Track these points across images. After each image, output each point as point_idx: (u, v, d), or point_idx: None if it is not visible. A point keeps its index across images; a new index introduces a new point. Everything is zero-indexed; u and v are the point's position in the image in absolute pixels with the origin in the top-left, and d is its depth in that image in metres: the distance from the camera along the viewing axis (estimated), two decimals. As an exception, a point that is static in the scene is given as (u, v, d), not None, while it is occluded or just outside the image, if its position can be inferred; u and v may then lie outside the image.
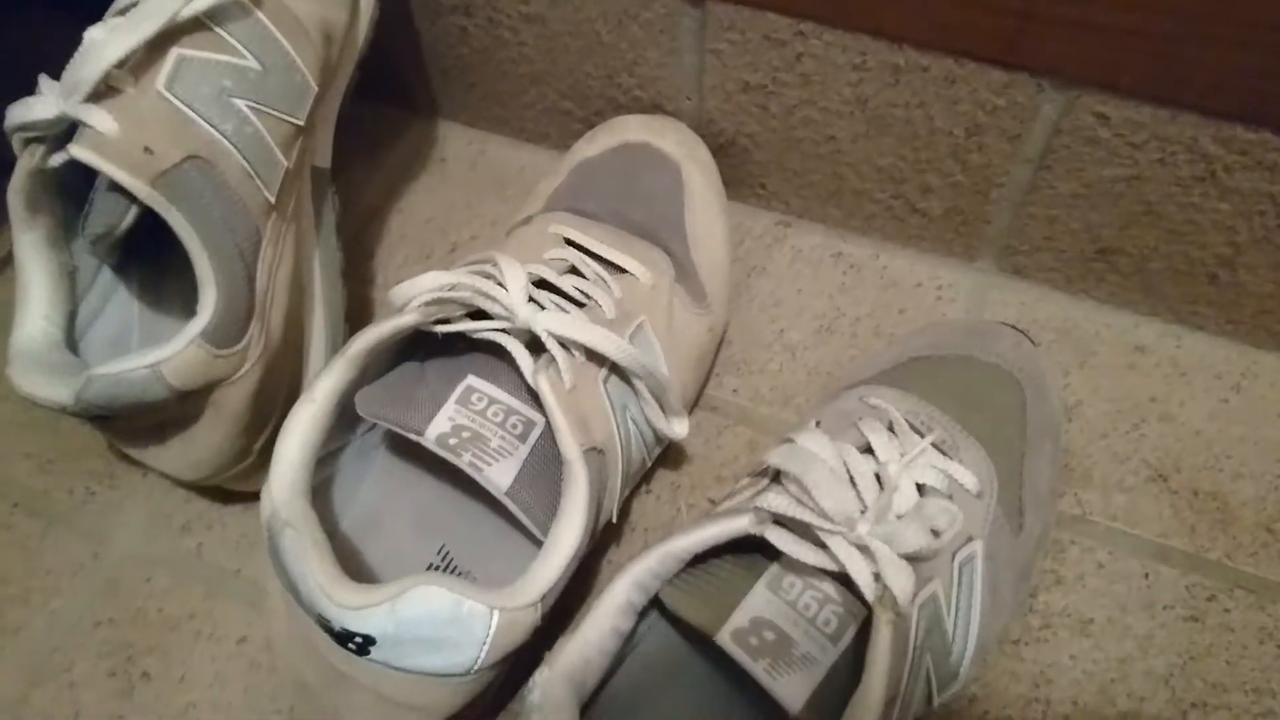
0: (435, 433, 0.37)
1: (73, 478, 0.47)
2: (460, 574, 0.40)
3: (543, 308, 0.38)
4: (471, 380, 0.39)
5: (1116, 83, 0.41)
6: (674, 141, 0.48)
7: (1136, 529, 0.44)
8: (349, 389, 0.36)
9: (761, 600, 0.34)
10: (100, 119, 0.35)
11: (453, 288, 0.37)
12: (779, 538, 0.34)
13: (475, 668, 0.32)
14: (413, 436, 0.36)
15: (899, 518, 0.33)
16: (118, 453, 0.46)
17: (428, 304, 0.37)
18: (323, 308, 0.44)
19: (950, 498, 0.35)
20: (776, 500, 0.33)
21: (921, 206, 0.50)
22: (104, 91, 0.36)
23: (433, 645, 0.31)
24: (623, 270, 0.43)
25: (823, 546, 0.33)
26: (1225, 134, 0.41)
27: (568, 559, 0.34)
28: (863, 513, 0.33)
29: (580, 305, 0.40)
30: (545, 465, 0.37)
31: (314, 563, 0.32)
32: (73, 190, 0.40)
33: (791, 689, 0.32)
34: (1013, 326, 0.43)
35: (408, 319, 0.36)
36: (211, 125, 0.37)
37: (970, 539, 0.35)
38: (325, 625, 0.32)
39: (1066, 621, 0.42)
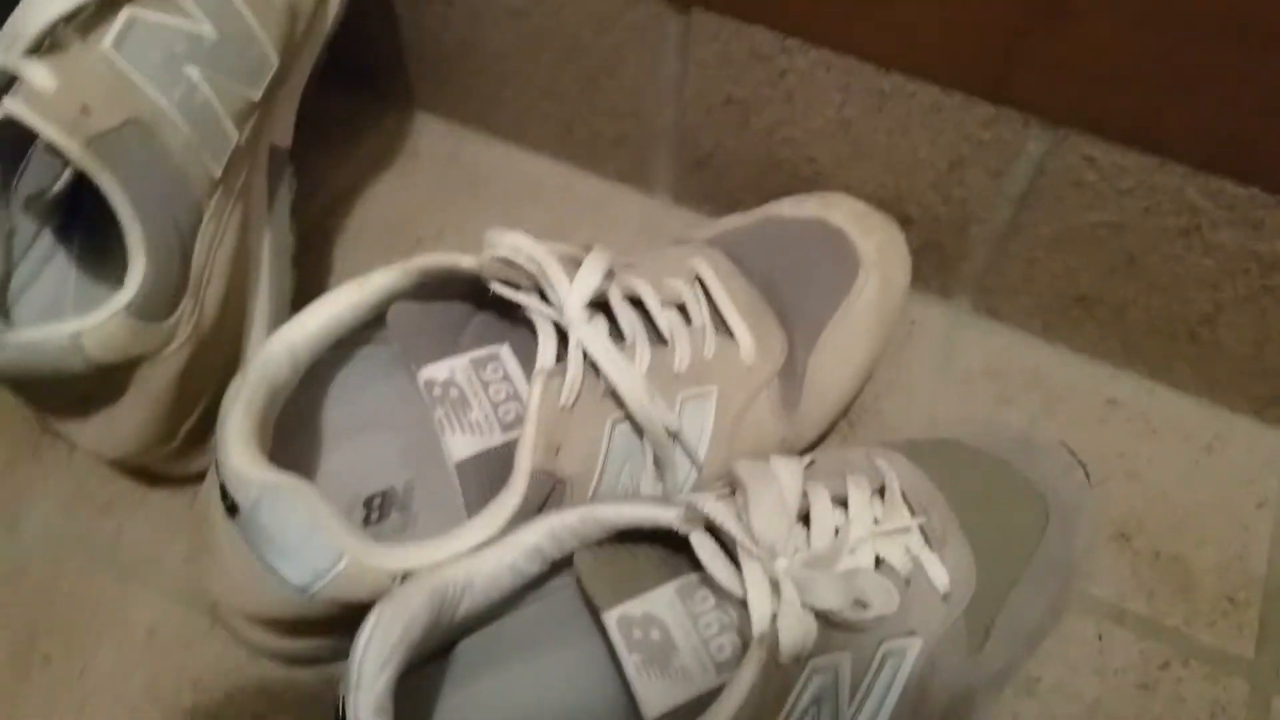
0: (428, 375, 0.37)
1: (-6, 447, 0.45)
2: (406, 511, 0.40)
3: (610, 318, 0.37)
4: (503, 350, 0.39)
5: (1104, 126, 0.40)
6: (874, 245, 0.44)
7: (1093, 588, 0.42)
8: (396, 294, 0.37)
9: (665, 601, 0.33)
10: (38, 74, 0.33)
11: (529, 258, 0.36)
12: (701, 543, 0.32)
13: (307, 592, 0.32)
14: (410, 365, 0.37)
15: (828, 572, 0.31)
16: (42, 425, 0.44)
17: (502, 259, 0.36)
18: (268, 292, 0.42)
19: (908, 583, 0.33)
20: (712, 505, 0.32)
21: (900, 238, 0.49)
22: (47, 46, 0.34)
23: (278, 547, 0.32)
24: (730, 334, 0.40)
25: (739, 569, 0.31)
26: (1213, 187, 0.39)
27: (448, 556, 0.32)
28: (795, 550, 0.31)
29: (661, 342, 0.38)
30: (508, 466, 0.35)
31: (239, 409, 0.33)
32: (12, 149, 0.38)
33: (654, 694, 0.31)
34: (1070, 451, 0.40)
35: (469, 261, 0.37)
36: (157, 90, 0.35)
37: (912, 633, 0.33)
38: (217, 467, 0.33)
39: (1014, 683, 0.40)
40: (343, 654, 0.30)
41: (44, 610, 0.41)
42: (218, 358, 0.40)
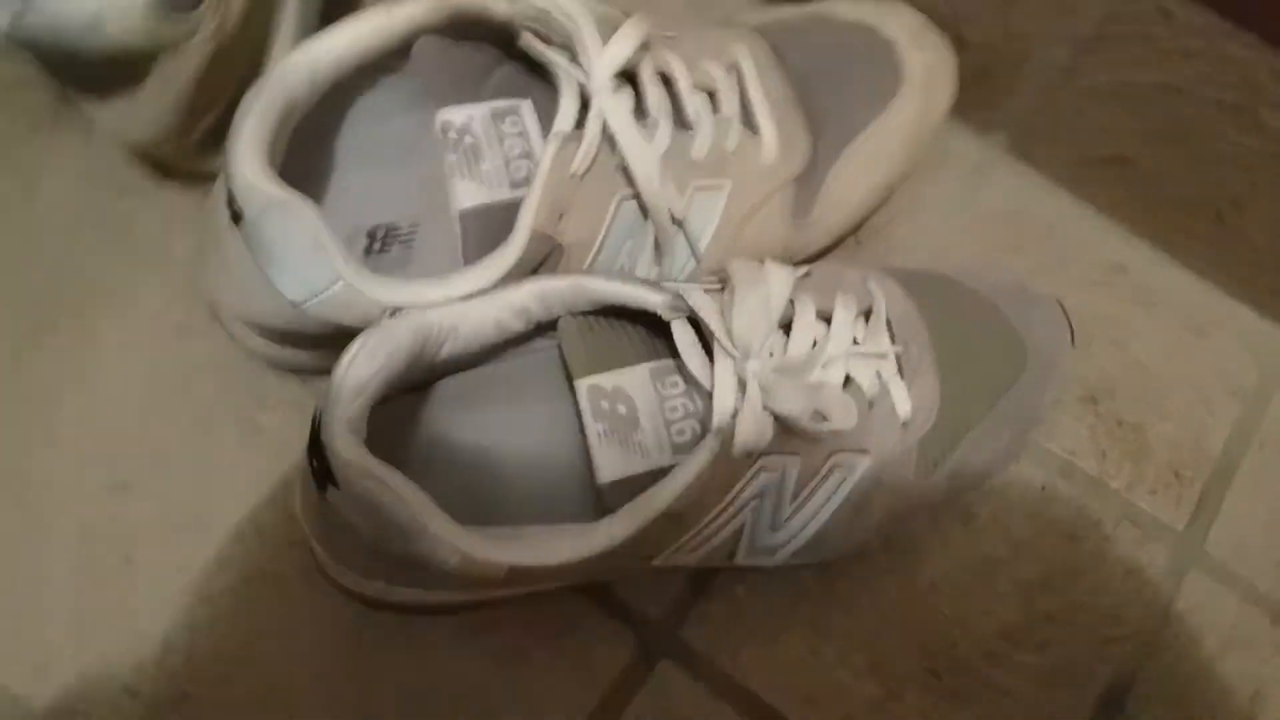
0: (445, 117, 0.37)
1: (13, 110, 0.45)
2: (408, 248, 0.40)
3: (635, 91, 0.36)
4: (524, 105, 0.38)
5: (1190, -21, 0.37)
6: (922, 63, 0.42)
7: (1050, 442, 0.44)
8: (423, 31, 0.36)
9: (637, 379, 0.35)
10: None
11: (565, 14, 0.35)
12: (680, 332, 0.33)
13: (300, 306, 0.34)
14: (429, 103, 0.36)
15: (795, 381, 0.32)
16: (63, 97, 0.44)
17: (537, 11, 0.35)
18: (296, 2, 0.41)
19: (872, 405, 0.34)
20: (699, 298, 0.33)
21: (951, 61, 0.47)
22: None
23: (278, 260, 0.33)
24: (756, 131, 0.39)
25: (713, 362, 0.32)
26: (1282, 67, 0.38)
27: (439, 299, 0.33)
28: (770, 355, 0.32)
29: (685, 126, 0.38)
30: (512, 222, 0.36)
31: (254, 117, 0.33)
32: None
33: (609, 461, 0.33)
34: (1064, 310, 0.40)
35: (503, 7, 0.35)
36: None
37: (864, 451, 0.34)
38: (226, 172, 0.33)
39: (951, 510, 0.42)
40: (329, 370, 0.32)
41: (55, 280, 0.42)
42: (241, 59, 0.40)
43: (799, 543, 0.36)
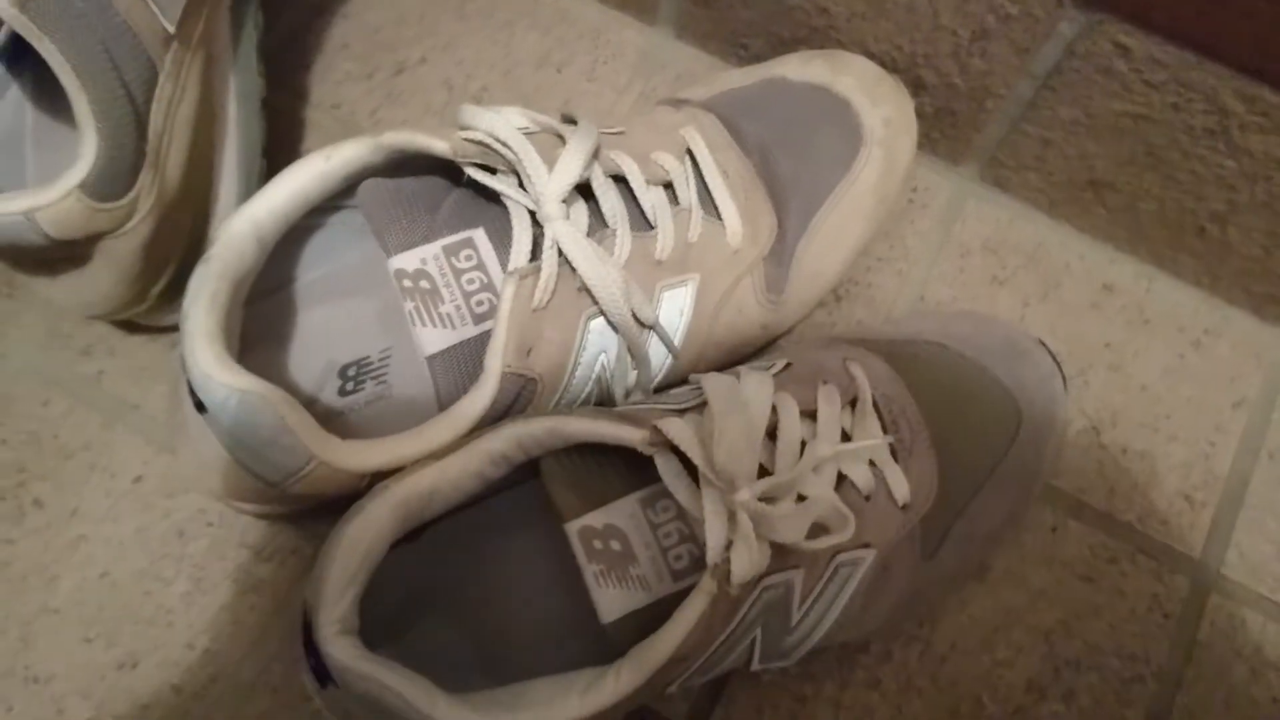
0: (398, 265, 0.36)
1: (-33, 282, 0.44)
2: (382, 382, 0.39)
3: (589, 201, 0.35)
4: (477, 234, 0.37)
5: (1148, 15, 0.36)
6: (881, 118, 0.41)
7: (1057, 480, 0.43)
8: (365, 170, 0.36)
9: (626, 512, 0.34)
10: (-41, -78, 0.30)
11: (505, 144, 0.34)
12: (665, 465, 0.32)
13: (278, 487, 0.33)
14: (381, 248, 0.36)
15: (788, 500, 0.31)
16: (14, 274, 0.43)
17: (477, 142, 0.34)
18: (237, 143, 0.40)
19: (869, 499, 0.33)
20: (678, 430, 0.32)
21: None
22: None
23: (247, 449, 0.32)
24: (718, 215, 0.39)
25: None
26: (1250, 92, 0.36)
27: (416, 453, 0.33)
28: (758, 476, 0.31)
29: (644, 226, 0.37)
30: (481, 357, 0.35)
31: (203, 306, 0.32)
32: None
33: (610, 602, 0.33)
34: (1053, 356, 0.40)
35: (441, 145, 0.34)
36: (96, -61, 0.32)
37: (866, 545, 0.33)
38: (183, 364, 0.32)
39: (965, 579, 0.42)
40: (323, 511, 0.30)
41: (32, 453, 0.42)
42: (185, 219, 0.39)
43: (813, 641, 0.35)
